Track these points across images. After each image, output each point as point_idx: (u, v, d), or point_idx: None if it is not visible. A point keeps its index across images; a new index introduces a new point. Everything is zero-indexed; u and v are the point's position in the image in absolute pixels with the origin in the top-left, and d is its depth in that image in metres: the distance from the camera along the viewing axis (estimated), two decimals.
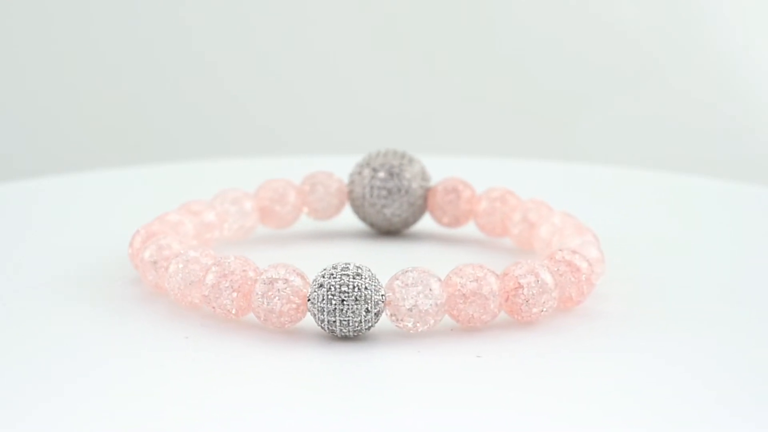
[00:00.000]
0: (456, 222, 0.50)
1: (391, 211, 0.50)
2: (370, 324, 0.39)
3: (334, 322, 0.39)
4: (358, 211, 0.51)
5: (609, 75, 0.99)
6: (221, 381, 0.37)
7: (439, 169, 0.53)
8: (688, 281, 0.46)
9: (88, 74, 0.98)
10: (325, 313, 0.39)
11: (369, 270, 0.39)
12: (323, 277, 0.39)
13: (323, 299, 0.38)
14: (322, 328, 0.39)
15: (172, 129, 0.99)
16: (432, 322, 0.39)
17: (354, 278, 0.39)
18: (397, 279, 0.39)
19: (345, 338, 0.39)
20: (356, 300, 0.38)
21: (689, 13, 0.98)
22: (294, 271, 0.40)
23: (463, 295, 0.39)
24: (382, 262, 0.42)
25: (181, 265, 0.42)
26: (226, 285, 0.40)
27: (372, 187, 0.50)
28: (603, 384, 0.37)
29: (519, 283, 0.40)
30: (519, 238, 0.49)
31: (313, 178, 0.51)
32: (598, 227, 0.47)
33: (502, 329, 0.40)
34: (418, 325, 0.39)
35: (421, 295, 0.39)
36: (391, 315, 0.39)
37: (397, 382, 0.37)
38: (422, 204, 0.50)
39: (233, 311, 0.40)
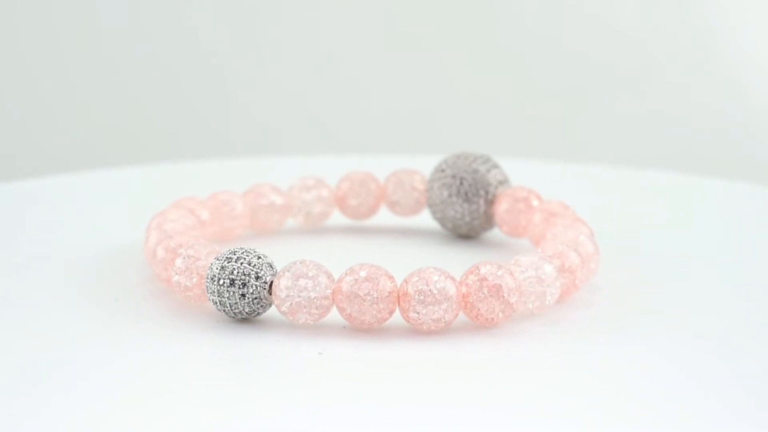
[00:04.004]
0: (515, 232, 0.49)
1: (452, 213, 0.50)
2: (250, 308, 0.40)
3: (215, 302, 0.40)
4: (431, 210, 0.51)
5: (609, 75, 0.99)
6: (96, 349, 0.39)
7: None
8: (686, 280, 0.46)
9: (89, 74, 0.98)
10: (208, 293, 0.40)
11: (260, 257, 0.40)
12: (214, 258, 0.40)
13: (206, 278, 0.40)
14: None
15: (173, 129, 0.99)
16: (307, 316, 0.40)
17: (235, 262, 0.40)
18: (288, 270, 0.40)
19: (243, 320, 0.41)
20: (232, 283, 0.39)
21: (690, 13, 0.98)
22: (212, 251, 0.41)
23: (343, 293, 0.39)
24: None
25: (154, 239, 0.44)
26: (162, 257, 0.43)
27: (435, 187, 0.50)
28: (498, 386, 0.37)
29: (407, 290, 0.39)
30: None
31: (396, 175, 0.51)
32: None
33: (399, 333, 0.40)
34: (299, 316, 0.40)
35: (300, 288, 0.39)
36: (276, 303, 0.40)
37: (249, 367, 0.38)
38: (487, 210, 0.49)
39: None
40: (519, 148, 0.98)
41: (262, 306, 0.40)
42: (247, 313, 0.40)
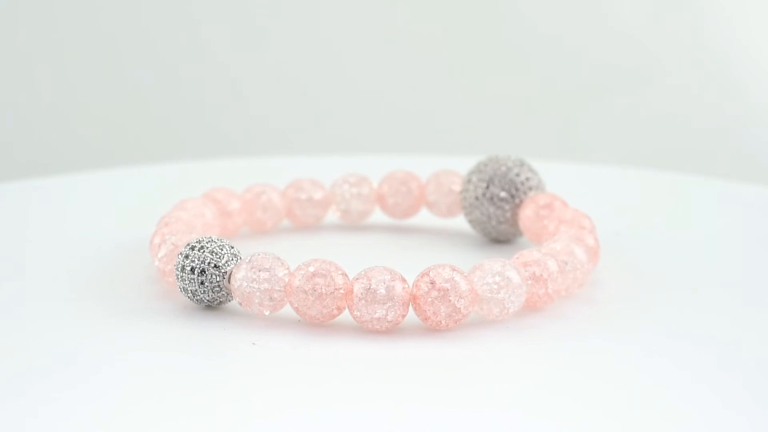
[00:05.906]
0: (536, 238, 0.48)
1: (479, 216, 0.49)
2: (210, 295, 0.41)
3: (181, 288, 0.41)
4: (464, 213, 0.50)
5: (609, 75, 0.99)
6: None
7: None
8: (686, 280, 0.46)
9: (90, 73, 0.98)
10: (174, 278, 0.41)
11: (224, 248, 0.41)
12: (183, 246, 0.41)
13: (175, 266, 0.41)
14: None
15: (174, 129, 0.99)
16: (260, 307, 0.40)
17: (198, 251, 0.41)
18: (247, 261, 0.40)
19: (209, 308, 0.41)
20: (192, 271, 0.41)
21: (690, 13, 0.98)
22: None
23: (293, 287, 0.39)
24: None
25: (157, 228, 0.45)
26: (156, 243, 0.44)
27: (466, 190, 0.49)
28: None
29: (352, 288, 0.39)
30: None
31: (437, 176, 0.51)
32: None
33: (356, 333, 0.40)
34: (253, 307, 0.40)
35: (253, 279, 0.40)
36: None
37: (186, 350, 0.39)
38: (513, 215, 0.48)
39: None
40: (519, 148, 0.98)
41: (223, 294, 0.41)
42: (208, 300, 0.41)
